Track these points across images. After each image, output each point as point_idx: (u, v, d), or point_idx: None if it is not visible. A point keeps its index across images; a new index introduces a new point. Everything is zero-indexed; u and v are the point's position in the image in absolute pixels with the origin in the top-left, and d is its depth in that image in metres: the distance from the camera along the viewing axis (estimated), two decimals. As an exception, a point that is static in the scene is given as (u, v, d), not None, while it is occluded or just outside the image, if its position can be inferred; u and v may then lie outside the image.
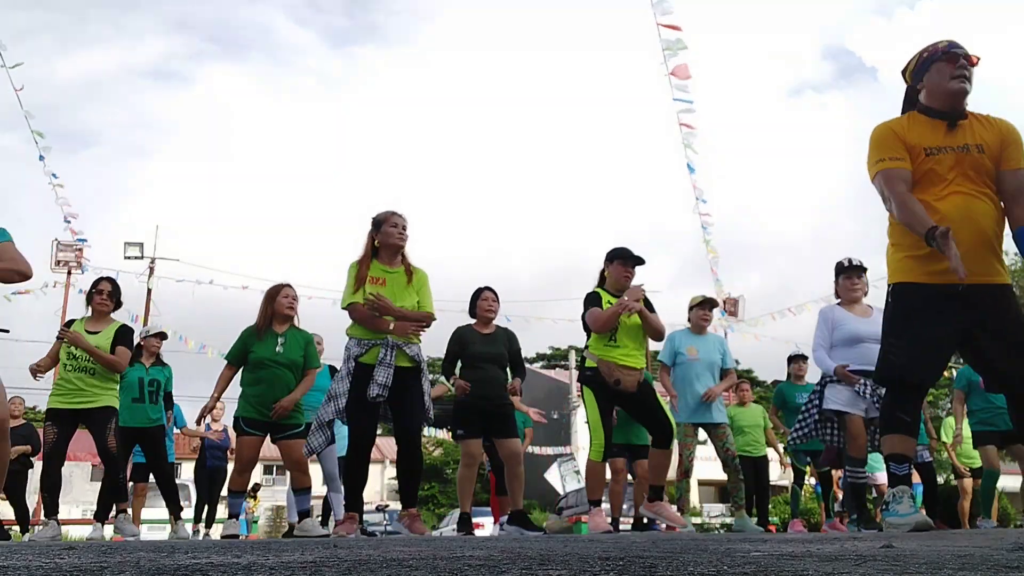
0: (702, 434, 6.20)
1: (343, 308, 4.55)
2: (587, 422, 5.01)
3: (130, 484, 7.10)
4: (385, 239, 4.61)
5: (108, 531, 6.68)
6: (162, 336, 6.74)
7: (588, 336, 5.07)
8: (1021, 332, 2.99)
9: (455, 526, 9.76)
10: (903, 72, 3.33)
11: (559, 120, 77.11)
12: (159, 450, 6.55)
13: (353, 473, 4.59)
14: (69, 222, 16.90)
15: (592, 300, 5.03)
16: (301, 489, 5.51)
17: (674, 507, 5.53)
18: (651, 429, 5.03)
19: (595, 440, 4.91)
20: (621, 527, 8.07)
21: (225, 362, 5.38)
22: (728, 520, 6.48)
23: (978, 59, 3.08)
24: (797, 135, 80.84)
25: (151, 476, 6.98)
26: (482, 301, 5.65)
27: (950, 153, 3.01)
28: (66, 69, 73.33)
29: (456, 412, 5.52)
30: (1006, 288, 3.06)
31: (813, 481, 10.45)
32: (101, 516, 6.20)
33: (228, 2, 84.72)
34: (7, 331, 4.00)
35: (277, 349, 5.20)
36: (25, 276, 3.51)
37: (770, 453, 8.00)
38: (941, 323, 3.00)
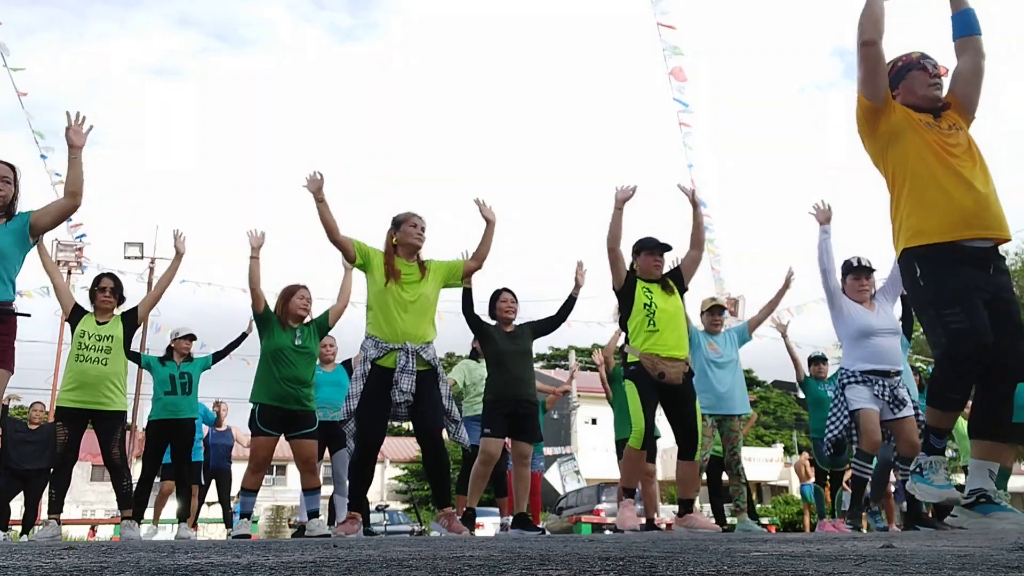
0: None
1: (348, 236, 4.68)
2: (613, 407, 4.81)
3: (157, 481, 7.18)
4: (404, 238, 4.72)
5: (144, 530, 6.77)
6: (191, 338, 6.83)
7: (625, 332, 4.98)
8: (1016, 308, 3.02)
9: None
10: None
11: (560, 120, 77.20)
12: (187, 448, 6.67)
13: (359, 474, 4.61)
14: (70, 220, 16.89)
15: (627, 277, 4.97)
16: (310, 489, 5.53)
17: (704, 515, 5.49)
18: (678, 435, 4.91)
19: (636, 427, 4.75)
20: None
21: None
22: (732, 521, 6.46)
23: (946, 70, 3.32)
24: (800, 134, 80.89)
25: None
26: (501, 303, 5.67)
27: (942, 130, 3.21)
28: (68, 66, 73.43)
29: (486, 411, 5.54)
30: (1004, 261, 3.15)
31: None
32: (137, 515, 6.34)
33: None
34: (28, 315, 4.04)
35: (296, 341, 5.35)
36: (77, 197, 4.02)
37: (747, 452, 8.02)
38: (975, 286, 2.97)
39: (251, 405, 5.36)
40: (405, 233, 4.72)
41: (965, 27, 3.24)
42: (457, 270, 4.84)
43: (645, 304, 4.85)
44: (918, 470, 3.13)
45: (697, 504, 5.54)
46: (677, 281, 5.08)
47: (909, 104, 3.28)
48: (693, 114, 12.39)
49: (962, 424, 8.60)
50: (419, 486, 29.85)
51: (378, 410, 4.50)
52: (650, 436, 4.84)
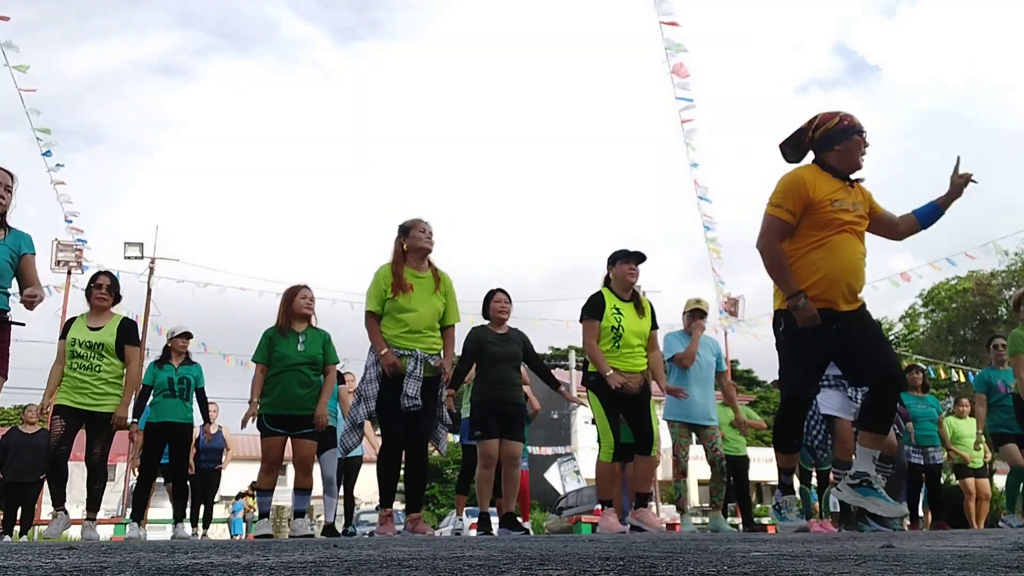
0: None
1: (367, 311, 4.77)
2: (593, 422, 5.04)
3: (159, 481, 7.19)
4: (413, 243, 4.83)
5: (145, 531, 6.79)
6: (187, 336, 6.82)
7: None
8: (879, 331, 3.73)
9: (455, 527, 9.77)
10: (812, 125, 3.80)
11: (564, 120, 77.20)
12: (185, 450, 6.71)
13: (385, 472, 4.74)
14: (70, 221, 16.90)
15: (593, 308, 5.06)
16: (301, 488, 5.56)
17: (653, 511, 5.62)
18: (635, 434, 5.09)
19: (604, 442, 4.97)
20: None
21: (254, 364, 5.40)
22: (705, 519, 6.56)
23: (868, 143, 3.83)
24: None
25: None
26: (495, 303, 5.68)
27: (847, 206, 3.67)
28: (70, 64, 73.32)
29: (474, 414, 5.59)
30: (864, 308, 3.73)
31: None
32: (137, 516, 6.37)
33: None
34: (23, 324, 4.15)
35: (299, 347, 5.33)
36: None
37: (754, 452, 8.07)
38: (819, 347, 3.61)
39: (246, 404, 5.38)
40: (414, 238, 4.82)
41: (925, 218, 3.83)
42: (450, 311, 4.92)
43: (613, 327, 5.02)
44: (776, 508, 3.79)
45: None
46: (654, 319, 5.24)
47: (840, 162, 3.67)
48: (696, 108, 12.39)
49: (960, 425, 8.62)
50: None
51: (397, 409, 4.62)
52: (619, 448, 5.03)
